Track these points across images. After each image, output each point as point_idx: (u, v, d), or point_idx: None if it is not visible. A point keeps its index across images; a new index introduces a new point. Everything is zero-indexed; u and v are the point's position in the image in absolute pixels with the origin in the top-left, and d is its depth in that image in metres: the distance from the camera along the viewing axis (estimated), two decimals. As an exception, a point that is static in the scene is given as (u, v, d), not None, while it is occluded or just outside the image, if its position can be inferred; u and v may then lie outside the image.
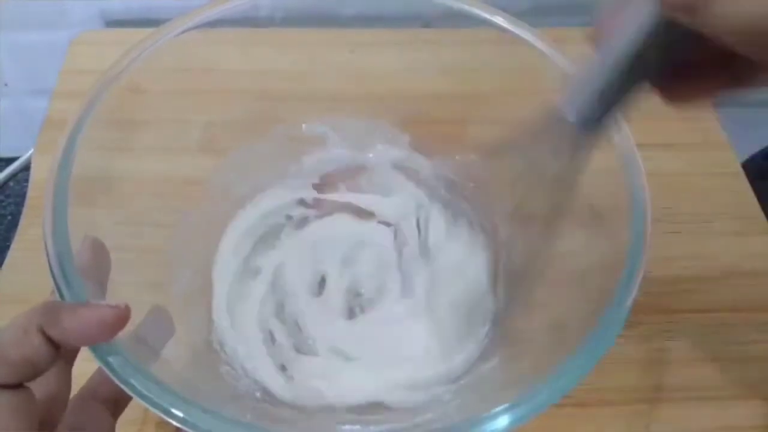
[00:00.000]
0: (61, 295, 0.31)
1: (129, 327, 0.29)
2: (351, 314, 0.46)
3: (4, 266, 0.46)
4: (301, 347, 0.44)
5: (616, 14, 0.29)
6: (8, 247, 0.46)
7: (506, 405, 0.29)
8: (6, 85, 0.62)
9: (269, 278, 0.46)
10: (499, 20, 0.42)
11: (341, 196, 0.51)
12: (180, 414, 0.28)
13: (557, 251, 0.42)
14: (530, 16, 0.47)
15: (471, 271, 0.46)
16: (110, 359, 0.29)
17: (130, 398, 0.28)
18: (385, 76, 0.49)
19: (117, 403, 0.32)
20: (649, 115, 0.54)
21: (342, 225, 0.50)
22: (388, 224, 0.49)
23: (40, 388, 0.27)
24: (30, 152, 0.57)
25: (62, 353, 0.27)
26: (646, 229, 0.34)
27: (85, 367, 0.40)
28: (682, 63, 0.28)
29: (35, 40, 0.59)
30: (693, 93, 0.30)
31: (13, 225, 0.49)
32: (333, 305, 0.45)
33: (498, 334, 0.43)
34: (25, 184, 0.56)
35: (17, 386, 0.26)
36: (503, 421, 0.29)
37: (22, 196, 0.50)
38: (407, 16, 0.50)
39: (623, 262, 0.33)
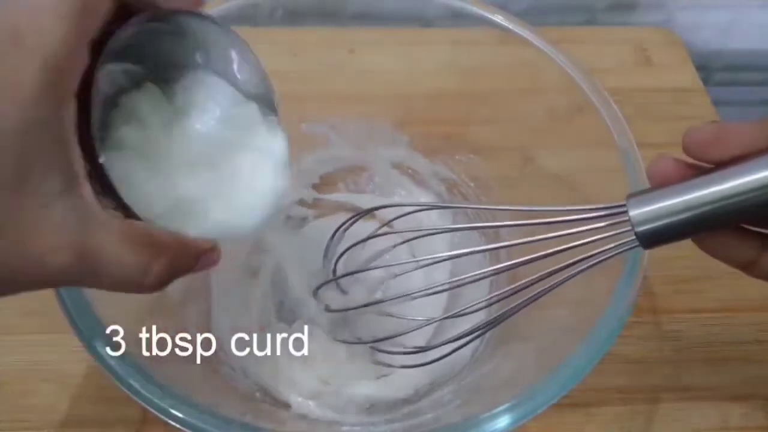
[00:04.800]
0: (60, 295, 0.31)
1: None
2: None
3: (3, 266, 0.46)
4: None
5: (734, 141, 0.26)
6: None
7: (506, 405, 0.29)
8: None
9: (269, 278, 0.46)
10: (499, 19, 0.42)
11: (341, 196, 0.51)
12: (179, 414, 0.28)
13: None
14: (530, 15, 0.47)
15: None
16: (110, 360, 0.30)
17: None
18: (385, 76, 0.49)
19: None
20: (649, 115, 0.54)
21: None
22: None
23: None
24: (30, 152, 0.57)
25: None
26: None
27: (84, 367, 0.41)
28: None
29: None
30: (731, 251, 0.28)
31: (13, 225, 0.49)
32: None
33: (498, 334, 0.43)
34: (24, 183, 0.56)
35: None
36: (503, 421, 0.29)
37: (22, 196, 0.50)
38: (407, 15, 0.50)
39: (623, 262, 0.33)
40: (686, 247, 0.29)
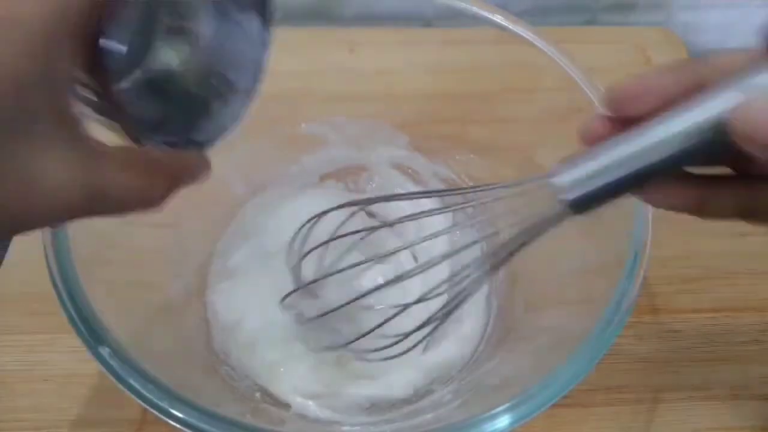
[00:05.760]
0: (60, 295, 0.31)
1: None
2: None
3: (3, 265, 0.46)
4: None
5: (661, 88, 0.25)
6: (8, 246, 0.46)
7: (506, 405, 0.29)
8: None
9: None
10: (499, 20, 0.42)
11: (341, 196, 0.51)
12: (179, 414, 0.28)
13: (557, 252, 0.42)
14: (530, 15, 0.47)
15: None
16: (110, 360, 0.30)
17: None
18: (385, 76, 0.49)
19: None
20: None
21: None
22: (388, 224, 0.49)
23: None
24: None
25: None
26: (646, 229, 0.34)
27: (84, 367, 0.41)
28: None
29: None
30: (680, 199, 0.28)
31: (13, 225, 0.49)
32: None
33: (498, 334, 0.43)
34: (24, 183, 0.56)
35: None
36: (503, 421, 0.29)
37: (22, 195, 0.50)
38: (407, 15, 0.50)
39: (623, 262, 0.33)
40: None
